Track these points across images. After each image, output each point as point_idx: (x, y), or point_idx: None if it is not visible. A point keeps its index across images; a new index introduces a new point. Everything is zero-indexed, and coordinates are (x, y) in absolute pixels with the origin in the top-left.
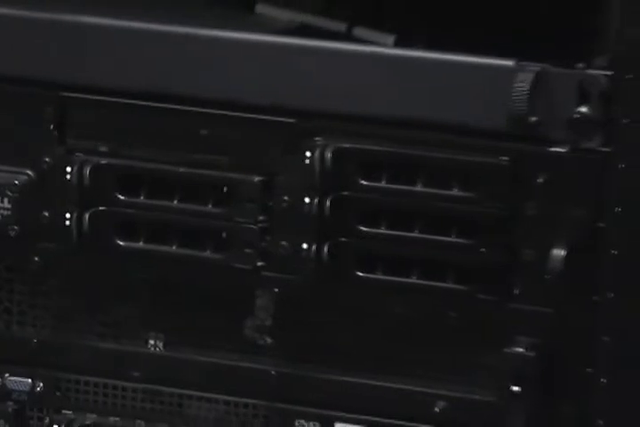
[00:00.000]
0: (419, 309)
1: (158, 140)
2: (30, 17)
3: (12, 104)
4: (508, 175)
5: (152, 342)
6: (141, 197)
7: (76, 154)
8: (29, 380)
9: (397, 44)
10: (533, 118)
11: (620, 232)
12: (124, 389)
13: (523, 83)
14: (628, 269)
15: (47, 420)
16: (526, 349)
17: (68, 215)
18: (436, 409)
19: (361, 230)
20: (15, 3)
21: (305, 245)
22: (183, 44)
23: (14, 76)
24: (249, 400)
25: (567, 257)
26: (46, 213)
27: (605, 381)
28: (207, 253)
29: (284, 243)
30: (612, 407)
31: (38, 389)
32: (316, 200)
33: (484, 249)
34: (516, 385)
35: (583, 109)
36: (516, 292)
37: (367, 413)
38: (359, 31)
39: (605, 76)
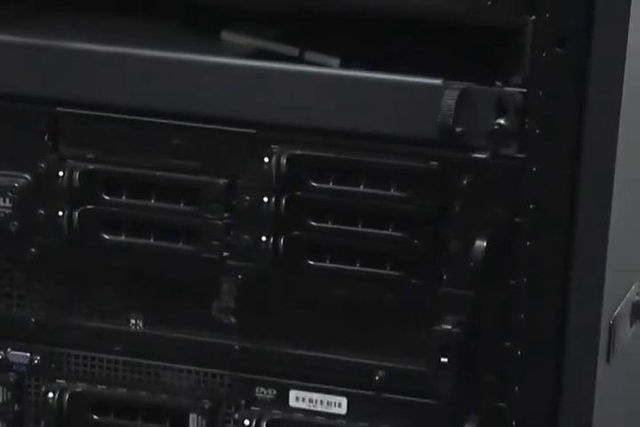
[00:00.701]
0: (361, 292)
1: (137, 148)
2: (29, 43)
3: (12, 118)
4: (437, 178)
5: (133, 321)
6: (123, 198)
7: (67, 160)
8: (28, 354)
9: (342, 66)
10: (458, 129)
11: (534, 226)
12: (108, 361)
13: (449, 99)
14: (540, 257)
15: (43, 388)
16: (453, 326)
17: (60, 213)
18: (377, 378)
19: (311, 225)
20: (15, 29)
21: (264, 238)
22: (158, 65)
23: (14, 93)
24: (216, 371)
25: (488, 248)
26: (42, 211)
27: (520, 353)
28: (180, 245)
29: (245, 236)
30: (525, 376)
31: (35, 361)
32: (272, 199)
33: (416, 241)
34: (443, 357)
35: (501, 121)
36: (444, 277)
37: (317, 381)
38: (309, 55)
39: (520, 93)
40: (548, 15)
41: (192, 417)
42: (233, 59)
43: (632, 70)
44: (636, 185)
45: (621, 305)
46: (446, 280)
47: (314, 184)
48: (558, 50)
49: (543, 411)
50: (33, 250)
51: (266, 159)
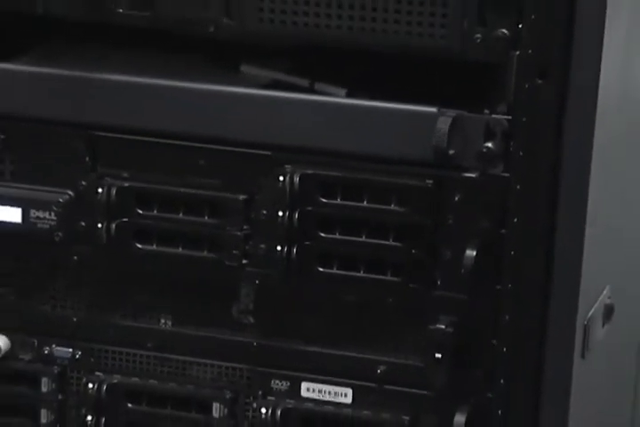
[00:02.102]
0: (364, 295)
1: (166, 168)
2: (72, 75)
3: (57, 141)
4: (432, 195)
5: (163, 320)
6: (154, 211)
7: (105, 179)
8: (70, 349)
9: (348, 96)
10: (451, 151)
11: (517, 237)
12: (141, 356)
13: (443, 125)
14: (522, 265)
15: (83, 380)
16: (446, 326)
17: (98, 225)
18: (379, 371)
19: (320, 236)
20: (60, 63)
21: (278, 248)
22: (185, 94)
23: (59, 119)
24: (236, 365)
25: (477, 256)
26: (82, 224)
27: (505, 349)
28: (204, 254)
29: (262, 246)
30: (510, 370)
31: (77, 356)
32: (286, 213)
33: (413, 250)
34: (438, 353)
35: (489, 145)
36: (438, 282)
37: (326, 374)
38: (319, 86)
39: (506, 119)
40: (530, 51)
41: (215, 406)
42: (251, 89)
43: (604, 99)
44: (606, 202)
45: (595, 307)
46: (440, 285)
47: (323, 200)
48: (539, 81)
49: (525, 401)
50: (75, 258)
51: (280, 178)
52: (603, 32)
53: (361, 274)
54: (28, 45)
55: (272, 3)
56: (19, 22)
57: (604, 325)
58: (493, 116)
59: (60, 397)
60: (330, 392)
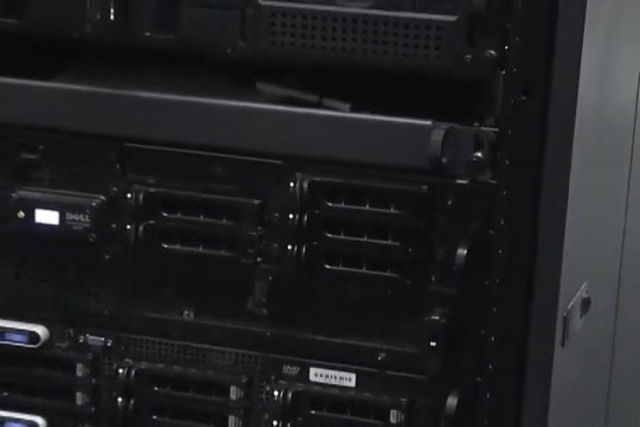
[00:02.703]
0: (366, 290)
1: (188, 175)
2: (104, 92)
3: (90, 151)
4: (427, 199)
5: (185, 312)
6: (178, 214)
7: (134, 185)
8: (102, 338)
9: (352, 110)
10: (444, 160)
11: (504, 238)
12: (166, 344)
13: (437, 136)
14: (509, 263)
15: (114, 365)
16: (439, 317)
17: (128, 227)
18: (379, 358)
19: (327, 237)
20: (94, 81)
21: (289, 247)
22: (206, 109)
23: (93, 132)
24: (251, 352)
25: (467, 255)
26: (113, 225)
27: (493, 338)
28: (222, 253)
29: (274, 245)
30: (497, 357)
31: (108, 344)
32: (296, 216)
33: (410, 249)
34: (432, 342)
35: (478, 154)
36: (433, 278)
37: (332, 361)
38: (326, 101)
39: (493, 131)
40: (515, 70)
41: (232, 389)
42: (265, 104)
43: (581, 114)
44: (583, 206)
45: (573, 301)
46: (434, 281)
47: (329, 204)
48: (523, 98)
49: (511, 385)
50: (107, 256)
51: (291, 184)
52: (580, 53)
53: (363, 271)
54: (65, 65)
55: (283, 27)
56: (57, 45)
57: (581, 316)
58: (482, 128)
59: (93, 381)
60: (335, 377)
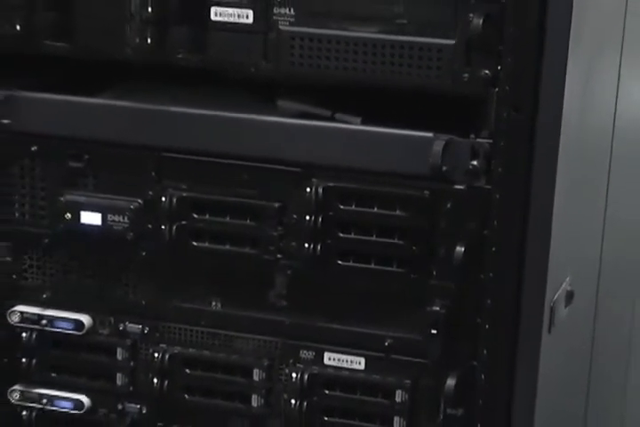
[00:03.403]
0: (374, 283)
1: (216, 181)
2: (142, 108)
3: (129, 159)
4: (429, 203)
5: (214, 303)
6: (207, 216)
7: (168, 189)
8: (140, 326)
9: (362, 123)
10: (444, 168)
11: (497, 237)
12: (196, 331)
13: (438, 147)
14: (502, 259)
15: (150, 350)
16: (440, 308)
17: (162, 227)
18: (386, 344)
19: (340, 236)
20: (133, 97)
21: (306, 245)
22: (232, 122)
23: (132, 144)
24: (272, 339)
25: (465, 252)
26: (149, 226)
27: (488, 326)
28: (246, 250)
29: (293, 243)
30: (491, 343)
31: (145, 331)
32: (312, 217)
33: (414, 247)
34: (433, 330)
35: (474, 163)
36: (434, 273)
37: (344, 346)
38: (338, 115)
39: (488, 143)
40: (507, 88)
41: (255, 371)
42: (285, 118)
43: (566, 127)
44: (567, 209)
45: (559, 292)
46: (435, 275)
47: (341, 207)
48: (514, 113)
49: (504, 367)
50: (143, 253)
51: (307, 189)
52: (565, 73)
53: (372, 266)
54: (108, 84)
55: (301, 49)
56: (101, 66)
57: (566, 306)
58: (478, 140)
59: (131, 364)
60: (347, 361)
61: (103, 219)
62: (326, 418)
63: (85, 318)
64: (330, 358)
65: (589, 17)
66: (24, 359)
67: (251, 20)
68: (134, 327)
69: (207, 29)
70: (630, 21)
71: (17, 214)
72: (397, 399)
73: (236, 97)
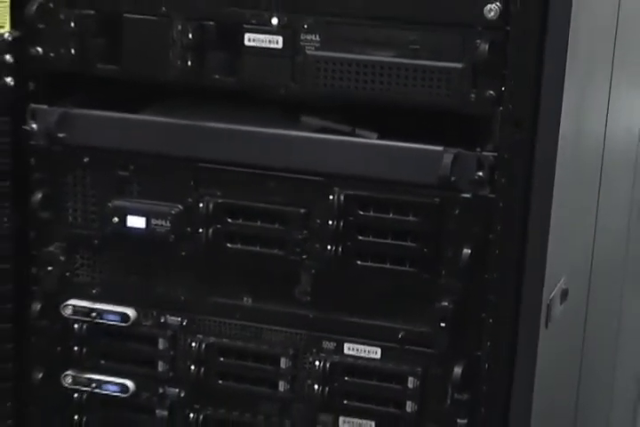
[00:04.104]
0: (390, 281)
1: (248, 189)
2: (181, 123)
3: (170, 169)
4: (439, 209)
5: (245, 298)
6: (240, 220)
7: (205, 196)
8: (179, 318)
9: (379, 138)
10: (453, 178)
11: (500, 240)
12: (229, 324)
13: (447, 159)
14: (504, 260)
15: (188, 340)
16: (448, 303)
17: (200, 230)
18: (400, 335)
19: (359, 239)
20: (172, 114)
21: (328, 247)
22: (261, 137)
23: (173, 155)
24: (297, 331)
25: (471, 254)
26: (188, 229)
27: (491, 321)
28: (275, 251)
29: (317, 245)
30: (494, 335)
31: (184, 323)
32: (334, 222)
33: (425, 249)
34: (442, 323)
35: (480, 174)
36: (443, 273)
37: (362, 338)
38: (358, 131)
39: (492, 156)
40: (510, 107)
41: (282, 360)
42: (310, 133)
43: (562, 142)
44: (563, 215)
45: (555, 290)
46: (444, 274)
47: (360, 212)
48: (516, 129)
49: (505, 358)
50: (183, 253)
51: (330, 197)
52: (562, 94)
53: (387, 266)
54: (152, 102)
55: (325, 72)
56: (146, 85)
57: (561, 303)
58: (483, 153)
59: (171, 352)
60: (365, 351)
61: (147, 222)
62: (345, 402)
63: (130, 311)
64: (349, 349)
65: (583, 42)
66: (76, 348)
67: (280, 46)
68: (174, 320)
69: (241, 54)
70: (619, 45)
71: (70, 218)
72: (409, 385)
73: (264, 114)
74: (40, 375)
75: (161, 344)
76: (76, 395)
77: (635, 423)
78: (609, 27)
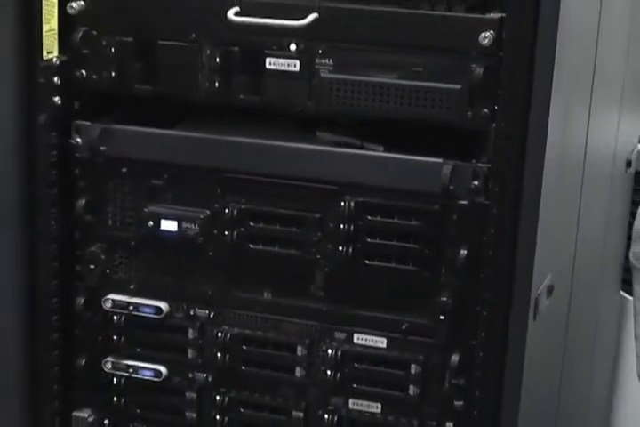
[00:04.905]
0: (395, 279)
1: (269, 196)
2: (208, 137)
3: (199, 179)
4: (439, 214)
5: (265, 294)
6: (260, 224)
7: (230, 203)
8: (206, 311)
9: (385, 151)
10: (451, 187)
11: (493, 242)
12: (251, 316)
13: (446, 170)
14: (497, 260)
15: (215, 331)
16: (447, 298)
17: (225, 232)
18: (403, 327)
19: (367, 241)
20: (201, 129)
21: (340, 248)
22: (280, 150)
23: (201, 166)
24: (312, 322)
25: (467, 254)
26: (215, 231)
27: (485, 314)
28: (292, 251)
29: (329, 246)
30: (487, 326)
31: (211, 316)
32: (345, 226)
33: (426, 250)
34: (442, 316)
35: (476, 183)
36: (442, 271)
37: (370, 328)
38: (366, 144)
39: (487, 167)
40: (503, 124)
41: (299, 348)
42: (323, 147)
43: (549, 154)
44: (549, 220)
45: (542, 286)
46: (443, 273)
47: (369, 217)
48: (508, 143)
49: (498, 347)
50: (210, 253)
51: (342, 203)
52: (548, 113)
53: (392, 265)
54: (183, 118)
55: (337, 92)
56: (178, 104)
57: (547, 298)
58: (478, 164)
59: (200, 341)
60: (372, 340)
61: (178, 226)
62: (355, 386)
63: (163, 305)
64: (358, 338)
65: (567, 66)
66: (115, 337)
67: (298, 69)
68: (202, 312)
69: (263, 76)
70: (598, 68)
71: (110, 222)
72: (412, 371)
73: (283, 129)
74: (83, 362)
75: (190, 334)
76: (115, 379)
77: (610, 399)
78: (589, 50)
